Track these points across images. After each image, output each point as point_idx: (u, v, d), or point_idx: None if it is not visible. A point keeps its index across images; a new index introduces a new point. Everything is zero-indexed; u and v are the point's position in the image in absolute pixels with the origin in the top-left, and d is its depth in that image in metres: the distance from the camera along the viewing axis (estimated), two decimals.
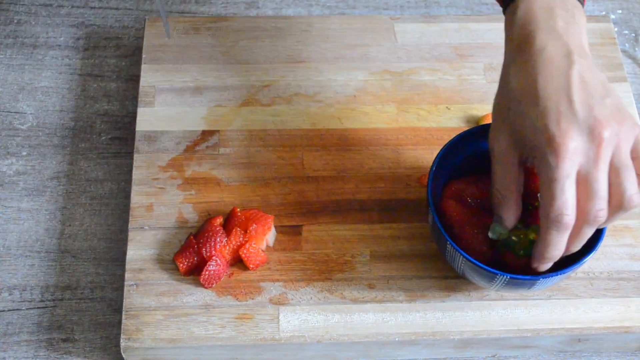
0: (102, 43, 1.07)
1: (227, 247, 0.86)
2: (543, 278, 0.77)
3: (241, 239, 0.86)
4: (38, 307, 0.88)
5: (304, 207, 0.91)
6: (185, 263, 0.86)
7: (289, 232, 0.89)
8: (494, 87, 1.02)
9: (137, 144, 0.94)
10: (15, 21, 1.09)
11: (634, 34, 1.12)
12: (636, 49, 1.10)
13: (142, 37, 1.02)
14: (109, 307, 0.88)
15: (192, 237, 0.87)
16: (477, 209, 0.83)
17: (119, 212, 0.94)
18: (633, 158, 0.72)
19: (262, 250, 0.87)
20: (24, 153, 0.97)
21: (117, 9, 1.10)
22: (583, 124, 0.69)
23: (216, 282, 0.85)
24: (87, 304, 0.88)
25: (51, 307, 0.88)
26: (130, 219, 0.89)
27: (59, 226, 0.93)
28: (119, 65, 1.05)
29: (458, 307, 0.86)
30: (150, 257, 0.87)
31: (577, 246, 0.75)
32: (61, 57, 1.05)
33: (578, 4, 0.75)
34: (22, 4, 1.10)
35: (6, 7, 1.10)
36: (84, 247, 0.92)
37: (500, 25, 1.06)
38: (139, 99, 0.97)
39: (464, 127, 0.97)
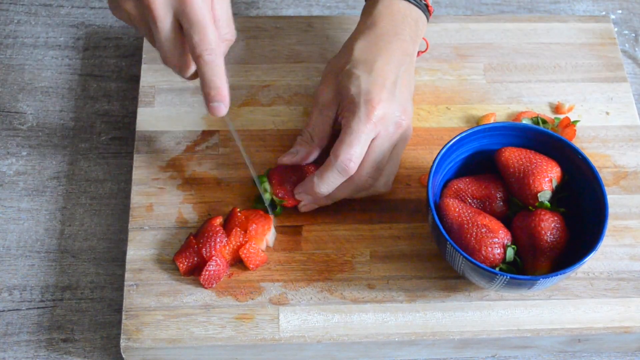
0: (102, 43, 1.07)
1: (227, 247, 0.86)
2: (543, 278, 0.78)
3: (241, 239, 0.86)
4: (38, 307, 0.88)
5: None
6: (185, 263, 0.85)
7: (289, 232, 0.89)
8: (494, 87, 1.02)
9: (137, 144, 0.94)
10: (15, 21, 1.09)
11: (634, 34, 1.12)
12: (636, 49, 1.10)
13: (142, 37, 1.02)
14: (109, 307, 0.88)
15: (192, 237, 0.87)
16: (477, 209, 0.83)
17: (119, 212, 0.94)
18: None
19: (262, 250, 0.87)
20: (24, 153, 0.97)
21: None
22: (396, 104, 0.86)
23: (216, 282, 0.85)
24: (87, 304, 0.88)
25: (51, 307, 0.88)
26: (130, 219, 0.89)
27: (59, 226, 0.93)
28: (119, 65, 1.05)
29: (458, 307, 0.86)
30: (150, 257, 0.87)
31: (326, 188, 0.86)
32: (61, 57, 1.05)
33: (424, 17, 0.93)
34: (22, 4, 1.10)
35: (6, 7, 1.10)
36: (84, 247, 0.92)
37: (501, 26, 1.06)
38: (139, 99, 0.97)
39: (464, 127, 0.97)
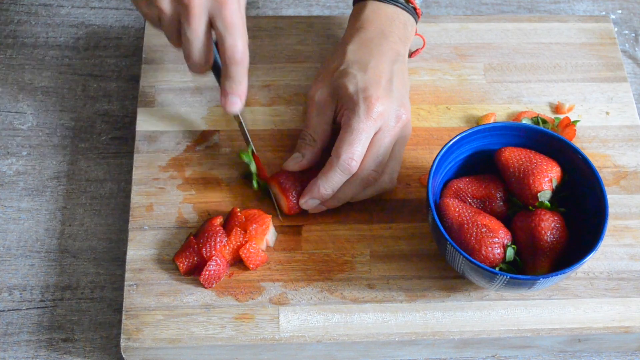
0: (102, 43, 1.07)
1: (227, 247, 0.86)
2: (543, 278, 0.78)
3: (241, 239, 0.86)
4: (38, 307, 0.88)
5: None
6: (185, 263, 0.86)
7: (289, 232, 0.89)
8: (494, 87, 1.02)
9: (137, 144, 0.94)
10: (15, 21, 1.09)
11: (634, 34, 1.12)
12: (636, 49, 1.10)
13: (142, 37, 1.02)
14: (109, 307, 0.88)
15: (192, 237, 0.87)
16: (477, 209, 0.83)
17: (119, 212, 0.94)
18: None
19: (262, 250, 0.87)
20: (24, 153, 0.97)
21: (117, 9, 1.10)
22: (394, 100, 0.87)
23: (216, 282, 0.85)
24: (87, 304, 0.88)
25: (51, 307, 0.88)
26: (130, 219, 0.89)
27: (59, 226, 0.93)
28: (119, 65, 1.05)
29: (458, 307, 0.86)
30: (150, 257, 0.87)
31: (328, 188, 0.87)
32: (61, 57, 1.05)
33: (412, 19, 0.94)
34: (22, 4, 1.10)
35: (6, 7, 1.10)
36: (84, 247, 0.92)
37: (501, 26, 1.06)
38: (139, 99, 0.97)
39: (464, 127, 0.97)
